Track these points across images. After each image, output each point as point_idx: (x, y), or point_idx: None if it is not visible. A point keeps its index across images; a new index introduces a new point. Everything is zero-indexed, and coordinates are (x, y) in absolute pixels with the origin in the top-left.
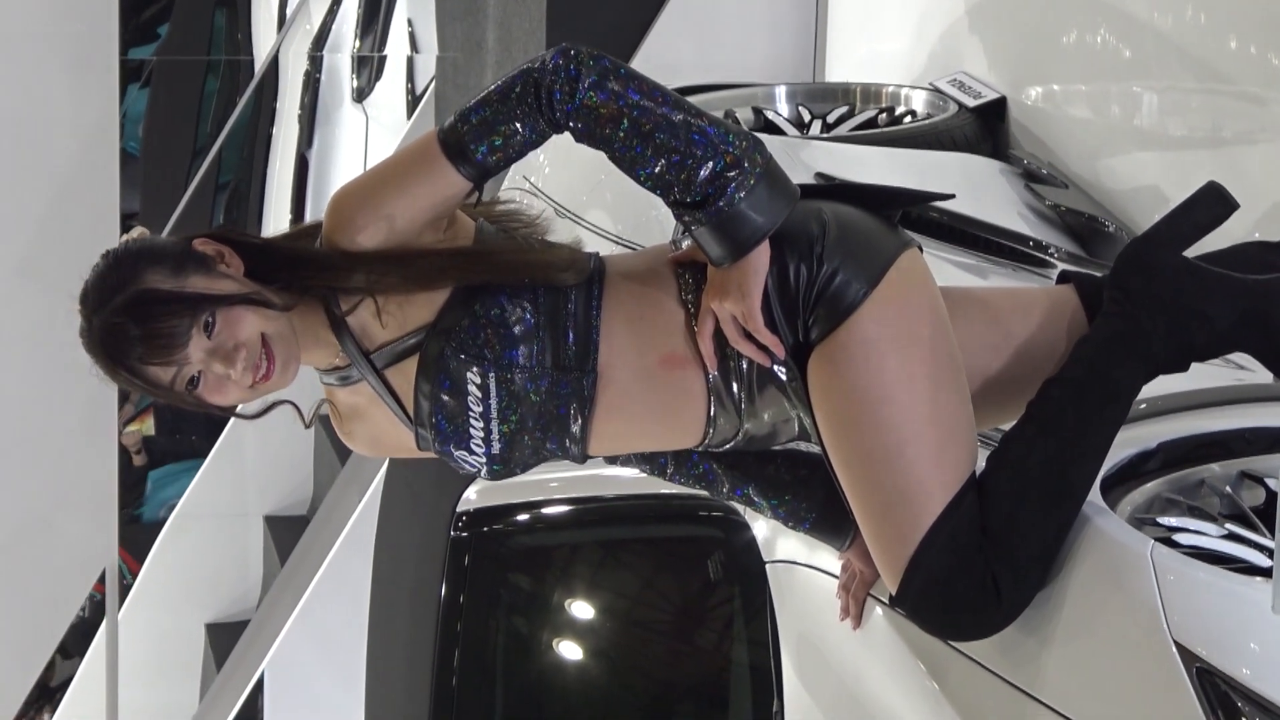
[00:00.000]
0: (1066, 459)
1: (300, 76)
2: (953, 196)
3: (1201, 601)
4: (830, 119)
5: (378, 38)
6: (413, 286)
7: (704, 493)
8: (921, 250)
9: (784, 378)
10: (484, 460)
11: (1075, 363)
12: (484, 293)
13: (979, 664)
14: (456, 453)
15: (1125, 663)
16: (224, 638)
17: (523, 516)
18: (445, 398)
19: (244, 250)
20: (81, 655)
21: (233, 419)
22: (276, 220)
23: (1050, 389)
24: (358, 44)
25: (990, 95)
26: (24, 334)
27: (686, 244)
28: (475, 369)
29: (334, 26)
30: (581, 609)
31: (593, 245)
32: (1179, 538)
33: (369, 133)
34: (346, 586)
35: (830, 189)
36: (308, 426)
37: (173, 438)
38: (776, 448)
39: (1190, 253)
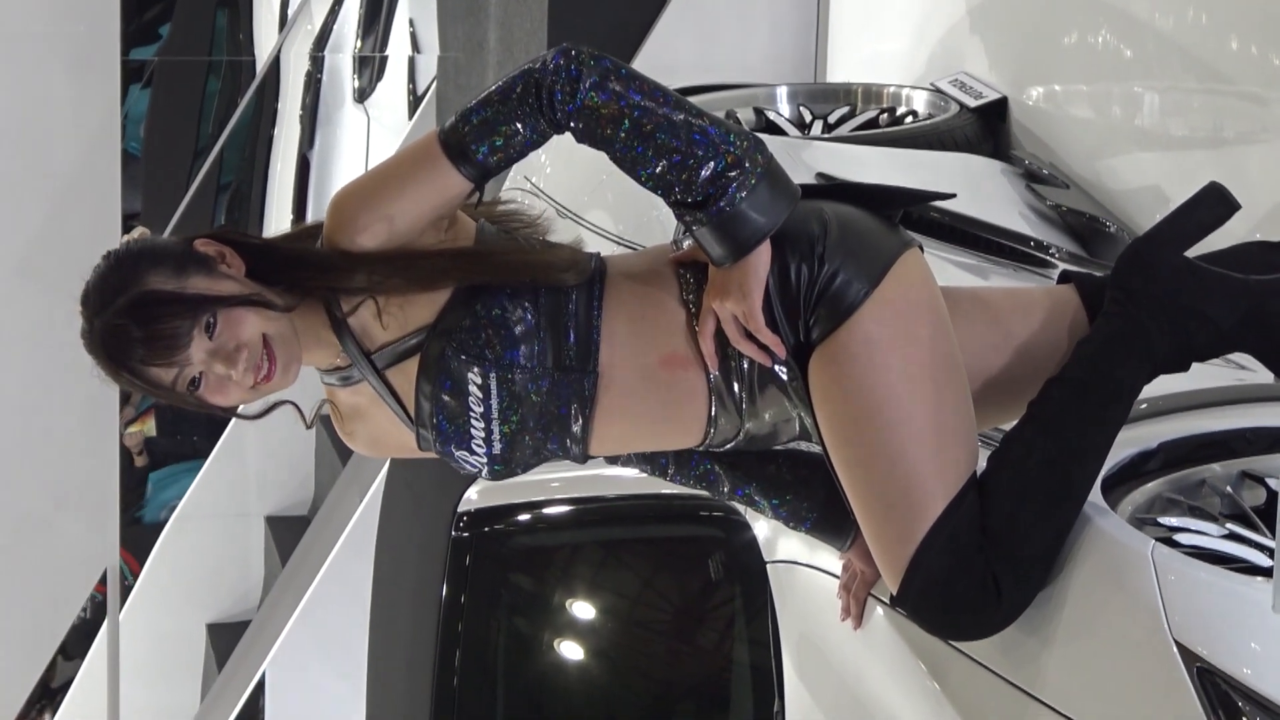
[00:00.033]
0: (1067, 459)
1: (302, 77)
2: (953, 196)
3: (1202, 601)
4: (831, 119)
5: (379, 38)
6: (414, 287)
7: (705, 493)
8: (923, 250)
9: (785, 377)
10: (485, 460)
11: (1076, 363)
12: (485, 293)
13: (980, 664)
14: (457, 453)
15: (1126, 662)
16: (225, 638)
17: (524, 516)
18: (446, 398)
19: (245, 251)
20: (83, 656)
21: (234, 419)
22: (278, 221)
23: (1051, 389)
24: (359, 44)
25: (991, 95)
26: (25, 334)
27: (688, 244)
28: (476, 369)
29: (335, 27)
30: (583, 609)
31: (594, 245)
32: (1180, 538)
33: (370, 133)
34: (348, 587)
35: (831, 189)
36: (309, 427)
37: (174, 439)
38: (777, 447)
39: (1191, 253)
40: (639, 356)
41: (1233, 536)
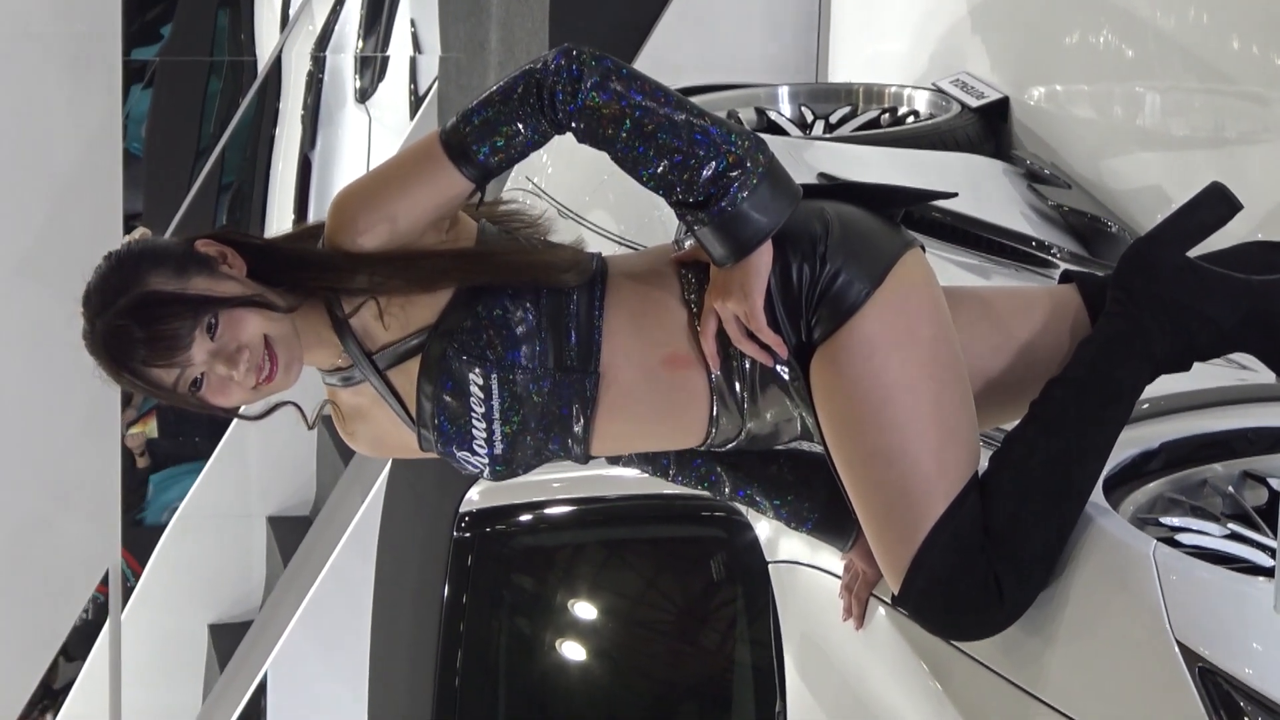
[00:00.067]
0: (1069, 459)
1: (303, 77)
2: (955, 195)
3: (1204, 601)
4: (833, 119)
5: (380, 38)
6: (415, 288)
7: (706, 493)
8: (924, 250)
9: (786, 377)
10: (486, 461)
11: (1078, 363)
12: (486, 294)
13: (982, 664)
14: (459, 453)
15: (1128, 662)
16: (227, 638)
17: (525, 517)
18: (448, 399)
19: (246, 251)
20: (85, 657)
21: (236, 420)
22: (279, 221)
23: (1053, 389)
24: (360, 44)
25: (993, 95)
26: (27, 335)
27: (689, 244)
28: (478, 370)
29: (337, 27)
30: (584, 609)
31: (595, 246)
32: (1181, 538)
33: (372, 133)
34: (349, 587)
35: (832, 188)
36: (311, 427)
37: (176, 440)
38: (779, 448)
39: (1193, 253)
40: (640, 357)
41: (1234, 536)
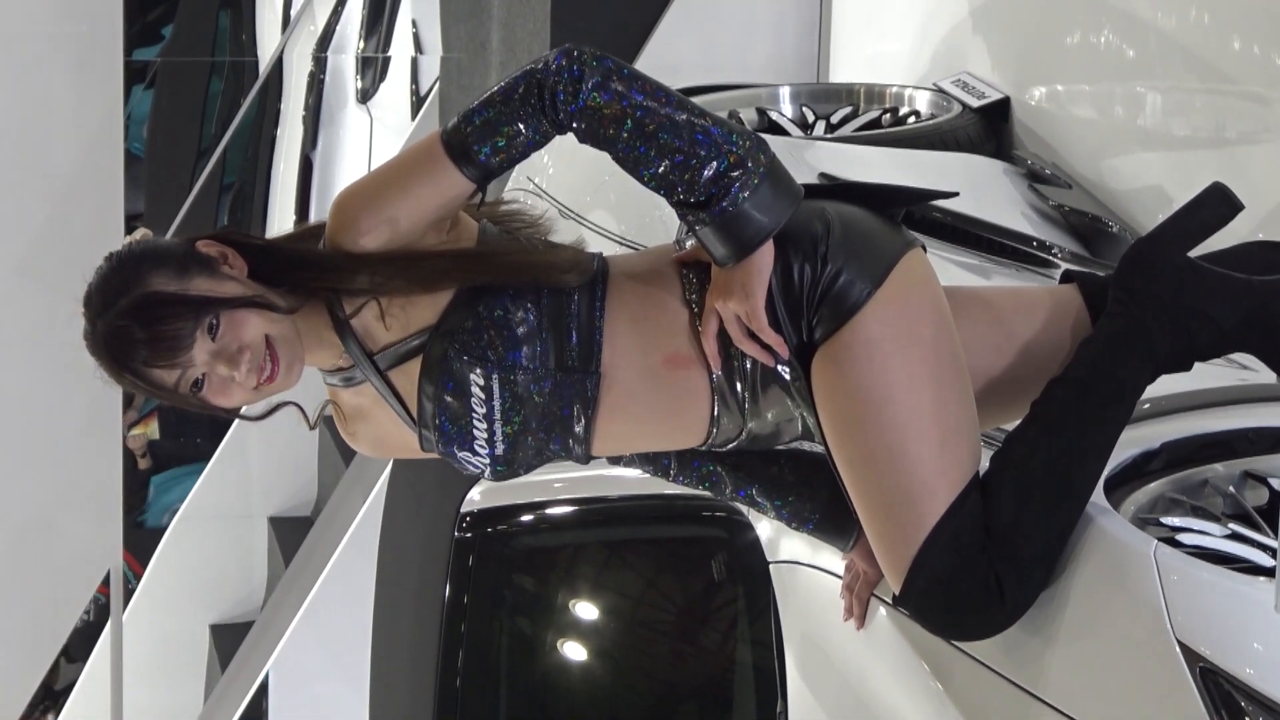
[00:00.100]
0: (1070, 459)
1: (304, 77)
2: (956, 195)
3: (1205, 601)
4: (834, 119)
5: (382, 39)
6: (416, 288)
7: (707, 493)
8: (925, 250)
9: (788, 377)
10: (487, 461)
11: (1079, 363)
12: (487, 294)
13: (982, 664)
14: (460, 454)
15: (1129, 662)
16: (228, 639)
17: (527, 517)
18: (449, 399)
19: (248, 252)
20: (85, 659)
21: (237, 421)
22: (281, 221)
23: (1054, 389)
24: (362, 45)
25: (994, 95)
26: (28, 335)
27: (690, 244)
28: (479, 370)
29: (338, 27)
30: (585, 609)
31: (596, 246)
32: (1182, 538)
33: (373, 134)
34: (351, 587)
35: (834, 188)
36: (312, 428)
37: (177, 441)
38: (780, 448)
39: (1194, 253)
40: (642, 357)
41: (1235, 536)
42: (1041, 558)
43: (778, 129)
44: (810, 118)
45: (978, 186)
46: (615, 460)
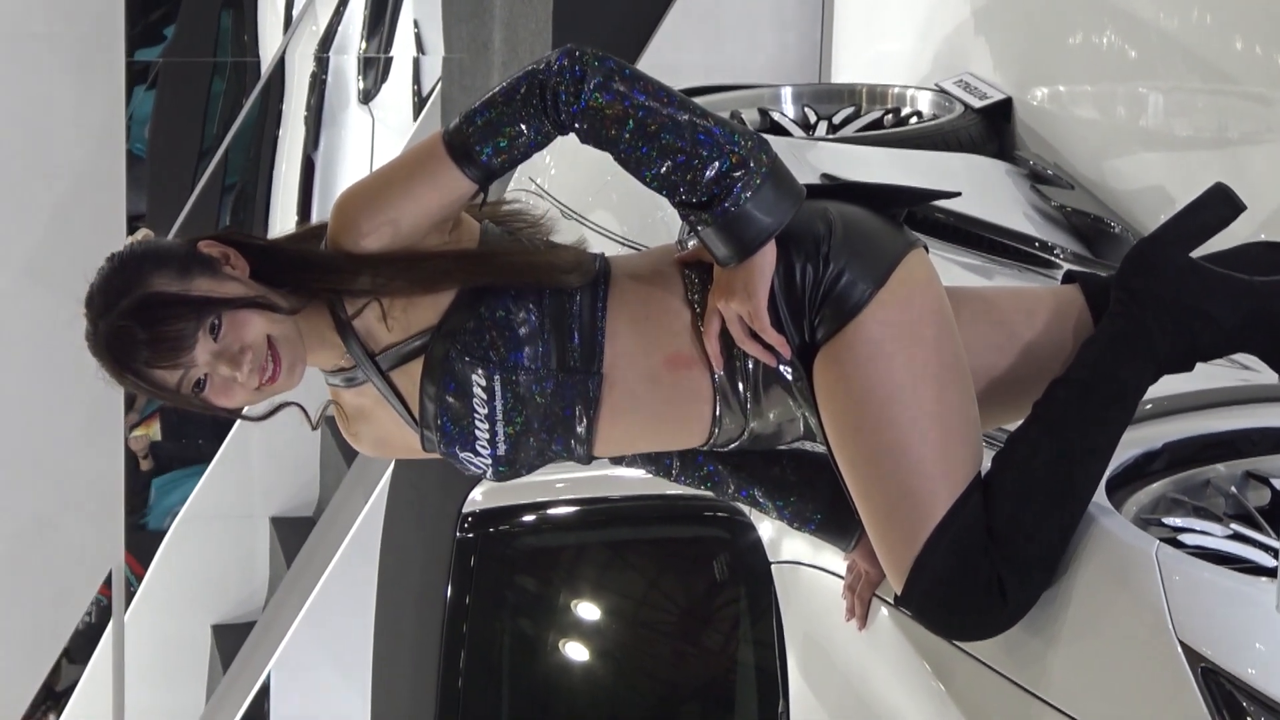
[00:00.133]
0: (1072, 459)
1: (306, 78)
2: (958, 194)
3: (1207, 601)
4: (836, 120)
5: (384, 39)
6: (418, 289)
7: (709, 493)
8: (928, 250)
9: (790, 378)
10: (489, 462)
11: (1080, 363)
12: (489, 294)
13: (984, 664)
14: (462, 454)
15: (1130, 663)
16: (230, 639)
17: (528, 518)
18: (450, 400)
19: (249, 252)
20: (87, 661)
21: (239, 421)
22: (283, 222)
23: (1056, 389)
24: (364, 45)
25: (996, 96)
26: (30, 335)
27: (692, 244)
28: (480, 371)
29: (340, 28)
30: (587, 610)
31: (598, 246)
32: (1184, 538)
33: (375, 134)
34: (352, 588)
35: (836, 189)
36: (314, 428)
37: (179, 442)
38: (782, 448)
39: (1196, 253)
40: (643, 357)
41: (1237, 537)
42: (1043, 558)
43: (780, 129)
44: (812, 118)
45: (980, 187)
46: (617, 460)
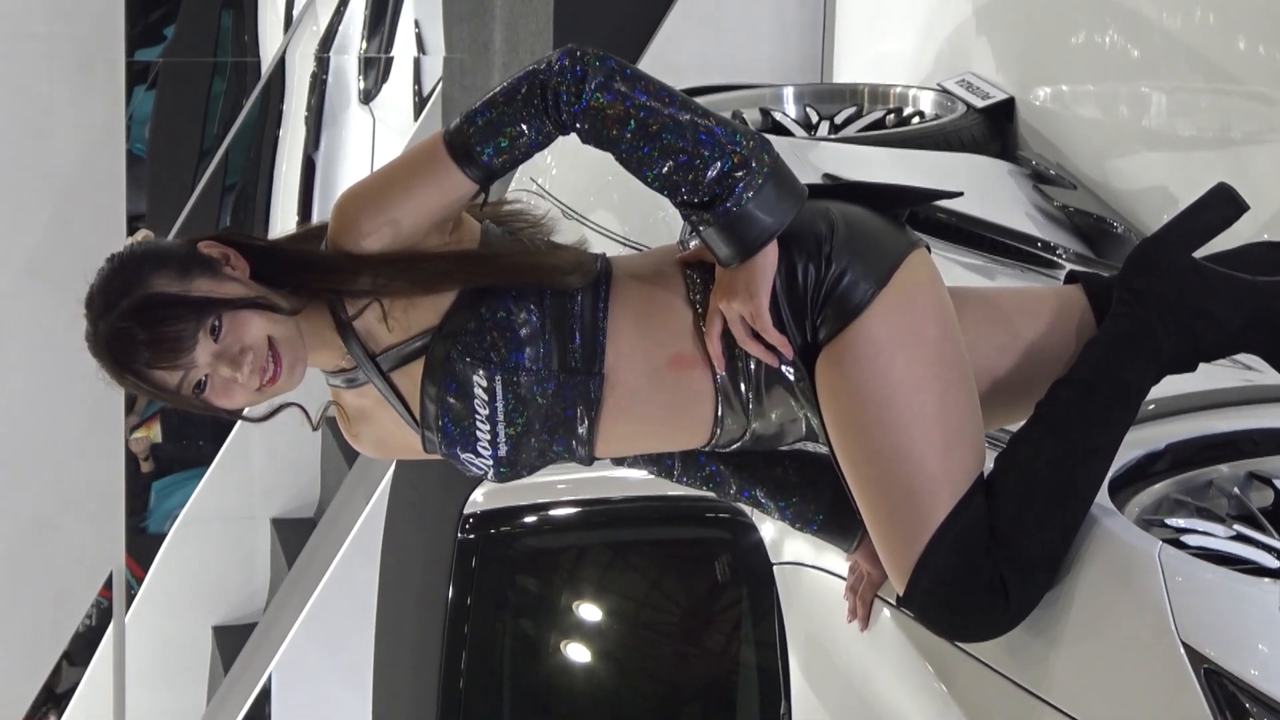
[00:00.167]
0: (1074, 460)
1: (307, 78)
2: (960, 195)
3: (1209, 602)
4: (838, 120)
5: (384, 39)
6: (418, 289)
7: (711, 494)
8: (930, 250)
9: (792, 378)
10: (490, 463)
11: (1083, 363)
12: (490, 295)
13: (987, 665)
14: (463, 455)
15: (1133, 664)
16: (231, 640)
17: (530, 519)
18: (451, 400)
19: (250, 253)
20: (88, 664)
21: (240, 422)
22: (283, 222)
23: (1058, 390)
24: (364, 45)
25: (998, 96)
26: (30, 336)
27: (694, 244)
28: (481, 372)
29: (341, 28)
30: (589, 611)
31: (599, 246)
32: (1187, 539)
33: (376, 134)
34: (353, 589)
35: (838, 189)
36: (315, 429)
37: (180, 444)
38: (784, 448)
39: (1199, 253)
40: (645, 358)
41: (1240, 538)
42: (1046, 559)
43: (781, 129)
44: (814, 118)
45: (982, 187)
46: (619, 461)
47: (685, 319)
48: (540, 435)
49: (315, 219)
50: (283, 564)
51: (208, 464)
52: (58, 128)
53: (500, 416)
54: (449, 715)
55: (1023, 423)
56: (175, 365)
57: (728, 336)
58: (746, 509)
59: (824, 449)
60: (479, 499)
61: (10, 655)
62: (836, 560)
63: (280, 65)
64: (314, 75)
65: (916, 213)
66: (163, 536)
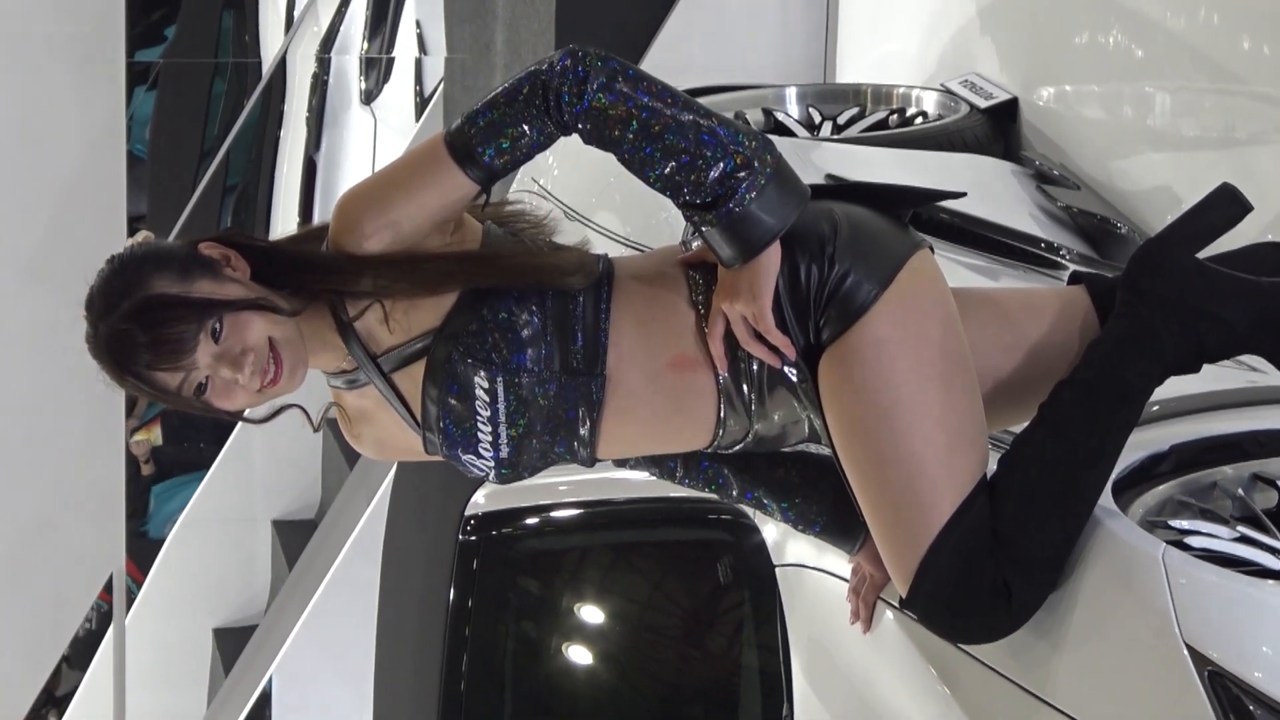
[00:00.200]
0: (1078, 461)
1: (308, 79)
2: (964, 195)
3: (1213, 604)
4: (841, 120)
5: (386, 40)
6: (420, 290)
7: (713, 496)
8: (933, 251)
9: (794, 379)
10: (492, 464)
11: (1087, 364)
12: (492, 296)
13: (990, 667)
14: (464, 457)
15: (1136, 666)
16: (231, 642)
17: (531, 520)
18: (453, 402)
19: (250, 254)
20: (87, 667)
21: (240, 423)
22: (284, 223)
23: (1062, 391)
24: (366, 46)
25: (1002, 96)
26: (30, 337)
27: (696, 245)
28: (483, 373)
29: (342, 28)
30: (590, 613)
31: (601, 247)
32: (1191, 540)
33: (377, 135)
34: (354, 591)
35: (841, 189)
36: (316, 430)
37: (180, 446)
38: (786, 450)
39: (1203, 254)
40: (647, 359)
41: (1244, 539)
42: (1049, 561)
43: (784, 130)
44: (817, 118)
45: (985, 187)
46: (621, 463)
47: (688, 320)
48: (542, 437)
49: (316, 220)
50: (283, 566)
51: (208, 466)
52: (58, 128)
53: (502, 418)
54: (450, 717)
55: (1026, 424)
56: (176, 367)
57: (730, 338)
58: (749, 511)
59: (827, 450)
60: (480, 501)
61: (10, 658)
62: (839, 562)
63: (281, 66)
64: (315, 76)
65: (920, 213)
66: (162, 541)
